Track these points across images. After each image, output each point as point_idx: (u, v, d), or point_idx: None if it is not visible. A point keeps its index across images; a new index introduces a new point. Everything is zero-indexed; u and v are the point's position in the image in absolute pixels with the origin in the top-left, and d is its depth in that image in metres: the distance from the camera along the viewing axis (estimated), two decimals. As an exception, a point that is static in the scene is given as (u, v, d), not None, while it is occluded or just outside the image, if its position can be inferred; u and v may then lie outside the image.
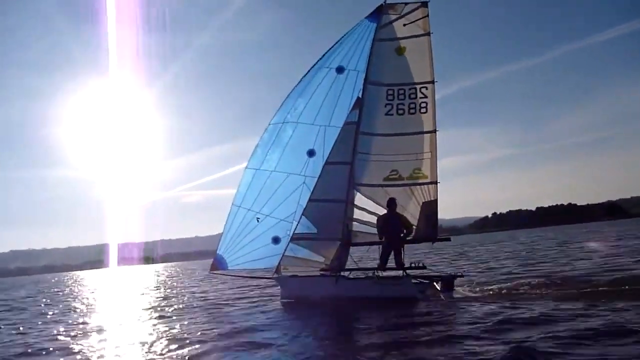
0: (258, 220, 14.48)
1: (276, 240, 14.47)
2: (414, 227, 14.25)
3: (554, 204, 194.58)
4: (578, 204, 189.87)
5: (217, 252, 14.93)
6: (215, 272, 15.24)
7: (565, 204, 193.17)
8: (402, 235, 13.95)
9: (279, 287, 15.00)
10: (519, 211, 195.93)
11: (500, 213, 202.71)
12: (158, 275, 48.61)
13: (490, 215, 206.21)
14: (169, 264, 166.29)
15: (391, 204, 13.96)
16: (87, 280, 55.67)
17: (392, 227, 13.88)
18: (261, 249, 14.48)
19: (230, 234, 14.69)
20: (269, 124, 14.62)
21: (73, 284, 45.09)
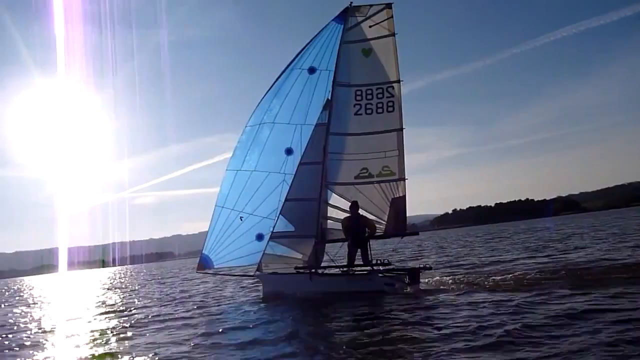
0: (241, 219, 14.89)
1: (260, 237, 14.91)
2: (381, 224, 14.72)
3: (513, 200, 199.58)
4: (535, 200, 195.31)
5: (203, 252, 15.27)
6: (201, 271, 15.53)
7: (523, 199, 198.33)
8: (365, 235, 14.44)
9: (260, 284, 15.47)
10: (479, 207, 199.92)
11: (461, 209, 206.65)
12: (111, 279, 47.88)
13: (450, 212, 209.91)
14: (124, 266, 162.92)
15: (353, 207, 14.46)
16: (35, 286, 54.17)
17: (354, 229, 14.40)
18: (246, 247, 14.91)
19: (214, 233, 15.07)
20: (246, 126, 15.02)
21: (16, 291, 43.93)
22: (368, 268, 14.23)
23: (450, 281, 14.38)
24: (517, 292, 11.22)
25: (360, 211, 14.53)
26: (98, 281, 46.97)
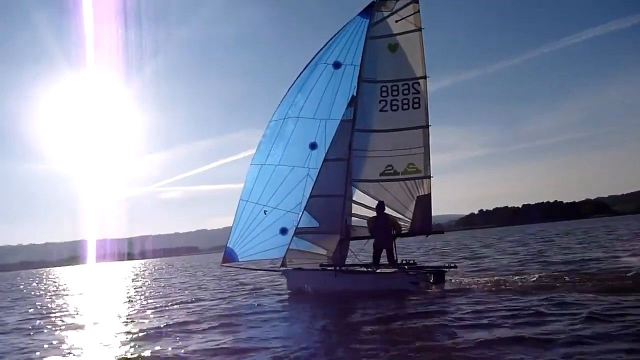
0: (265, 213, 14.92)
1: (284, 231, 14.92)
2: (406, 222, 14.62)
3: (540, 202, 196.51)
4: (564, 202, 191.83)
5: (227, 245, 15.31)
6: (226, 264, 15.58)
7: (552, 201, 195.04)
8: (391, 235, 14.34)
9: (286, 279, 15.48)
10: (505, 208, 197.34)
11: (487, 210, 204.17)
12: (141, 271, 48.37)
13: (476, 212, 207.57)
14: (149, 260, 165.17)
15: (379, 207, 14.36)
16: (65, 277, 55.10)
17: (379, 229, 14.31)
18: (270, 240, 14.94)
19: (239, 227, 15.12)
20: (271, 121, 15.00)
21: (49, 281, 44.67)
22: (393, 268, 14.13)
23: (476, 281, 14.13)
24: (534, 295, 10.97)
25: (386, 210, 14.40)
26: (131, 273, 47.65)
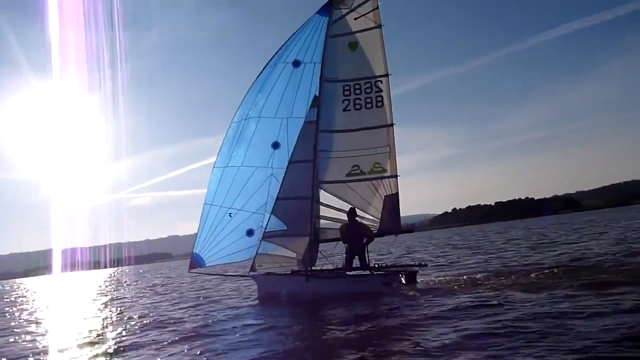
0: (231, 216, 14.62)
1: (250, 232, 14.65)
2: (375, 222, 14.43)
3: (512, 199, 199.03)
4: (535, 198, 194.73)
5: (194, 251, 14.95)
6: (193, 270, 15.17)
7: (523, 198, 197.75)
8: (363, 242, 14.11)
9: (255, 284, 15.14)
10: (479, 206, 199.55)
11: (460, 209, 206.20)
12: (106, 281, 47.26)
13: (450, 211, 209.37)
14: (119, 268, 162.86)
15: (350, 213, 14.14)
16: (28, 290, 53.59)
17: (352, 236, 14.09)
18: (237, 243, 14.65)
19: (204, 232, 14.77)
20: (232, 122, 14.68)
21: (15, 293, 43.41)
22: (365, 270, 13.98)
23: (447, 280, 14.12)
24: (513, 291, 10.94)
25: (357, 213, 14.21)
26: (97, 283, 46.57)
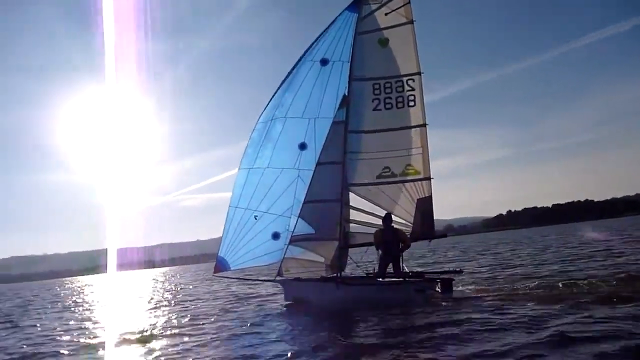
0: (256, 218, 14.29)
1: (276, 236, 14.30)
2: (408, 226, 13.86)
3: (571, 201, 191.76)
4: (595, 200, 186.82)
5: (218, 254, 14.72)
6: (218, 274, 14.99)
7: (582, 200, 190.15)
8: (399, 248, 13.52)
9: (282, 290, 14.79)
10: (535, 208, 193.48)
11: (515, 211, 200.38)
12: (160, 280, 48.19)
13: (504, 213, 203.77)
14: (171, 267, 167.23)
15: (386, 219, 13.54)
16: (94, 286, 55.33)
17: (388, 243, 13.46)
18: (262, 246, 14.33)
19: (229, 235, 14.49)
20: (257, 123, 14.34)
21: (80, 290, 44.69)
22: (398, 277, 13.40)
23: (488, 289, 13.40)
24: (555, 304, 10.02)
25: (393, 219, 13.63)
26: (153, 281, 47.65)
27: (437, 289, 13.20)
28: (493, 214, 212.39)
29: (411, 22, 13.57)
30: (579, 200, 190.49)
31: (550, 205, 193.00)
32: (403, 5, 13.55)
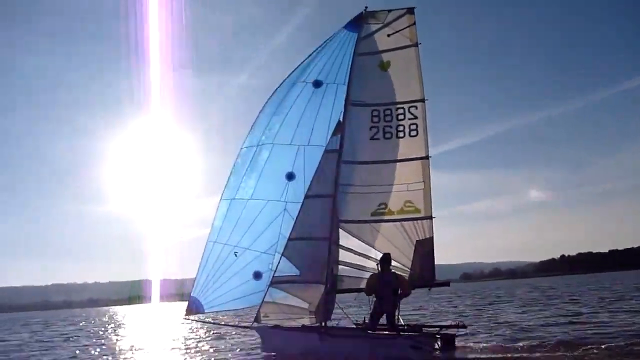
0: (236, 255, 12.95)
1: (258, 275, 12.93)
2: (405, 272, 12.38)
3: (629, 247, 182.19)
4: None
5: (191, 294, 13.35)
6: (189, 317, 13.62)
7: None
8: (397, 296, 12.10)
9: (259, 338, 13.37)
10: (589, 254, 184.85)
11: (569, 255, 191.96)
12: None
13: (557, 258, 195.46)
14: None
15: (383, 261, 12.12)
16: (138, 317, 55.01)
17: (384, 288, 11.97)
18: (241, 287, 12.95)
19: (205, 273, 13.13)
20: (241, 148, 13.12)
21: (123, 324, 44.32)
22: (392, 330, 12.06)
23: (497, 348, 12.10)
24: None
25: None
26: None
27: (437, 346, 11.83)
28: (542, 259, 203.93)
29: (416, 44, 12.40)
30: (638, 247, 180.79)
31: (607, 251, 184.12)
32: (408, 27, 12.37)
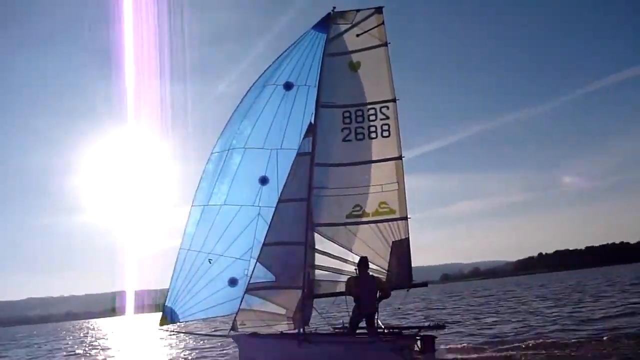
0: (210, 262, 12.67)
1: (233, 282, 12.67)
2: (382, 273, 12.26)
3: (605, 243, 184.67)
4: (631, 242, 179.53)
5: (165, 303, 13.03)
6: (164, 327, 13.28)
7: (617, 242, 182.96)
8: (376, 300, 11.92)
9: (236, 347, 13.11)
10: (567, 251, 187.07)
11: (547, 253, 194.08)
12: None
13: (535, 256, 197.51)
14: None
15: (361, 264, 11.92)
16: (117, 330, 54.13)
17: (362, 292, 11.80)
18: (217, 294, 12.68)
19: (179, 281, 12.84)
20: (212, 153, 12.86)
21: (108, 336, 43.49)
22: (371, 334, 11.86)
23: (477, 348, 12.25)
24: None
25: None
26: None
27: (417, 347, 11.68)
28: (521, 257, 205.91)
29: (385, 44, 12.29)
30: (613, 243, 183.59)
31: (583, 248, 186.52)
32: (377, 26, 12.26)
